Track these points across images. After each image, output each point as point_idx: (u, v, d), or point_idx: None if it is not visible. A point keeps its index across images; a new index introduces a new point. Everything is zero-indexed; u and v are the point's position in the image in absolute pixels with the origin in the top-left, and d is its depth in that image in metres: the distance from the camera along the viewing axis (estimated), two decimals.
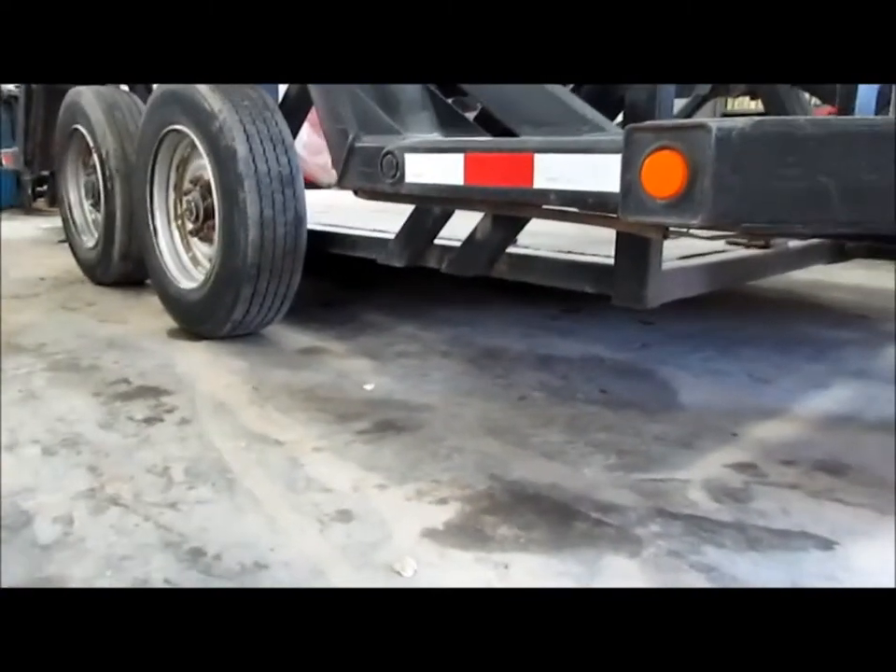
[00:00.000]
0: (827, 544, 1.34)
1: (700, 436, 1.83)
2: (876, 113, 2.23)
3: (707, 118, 1.66)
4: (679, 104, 4.20)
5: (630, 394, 2.13)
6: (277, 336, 2.69)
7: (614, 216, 1.26)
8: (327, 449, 1.72)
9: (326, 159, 6.65)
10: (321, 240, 2.59)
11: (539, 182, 1.36)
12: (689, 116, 4.06)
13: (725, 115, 8.74)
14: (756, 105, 6.24)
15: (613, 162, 1.22)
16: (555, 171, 1.34)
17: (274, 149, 2.30)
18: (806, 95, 3.46)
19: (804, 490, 1.55)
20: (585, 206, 1.32)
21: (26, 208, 6.18)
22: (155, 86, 2.64)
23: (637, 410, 2.00)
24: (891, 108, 1.45)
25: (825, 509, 1.47)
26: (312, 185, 7.23)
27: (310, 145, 7.87)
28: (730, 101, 8.04)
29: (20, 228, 5.75)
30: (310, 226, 2.42)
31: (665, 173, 1.14)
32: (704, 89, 4.03)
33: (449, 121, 1.89)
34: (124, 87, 3.48)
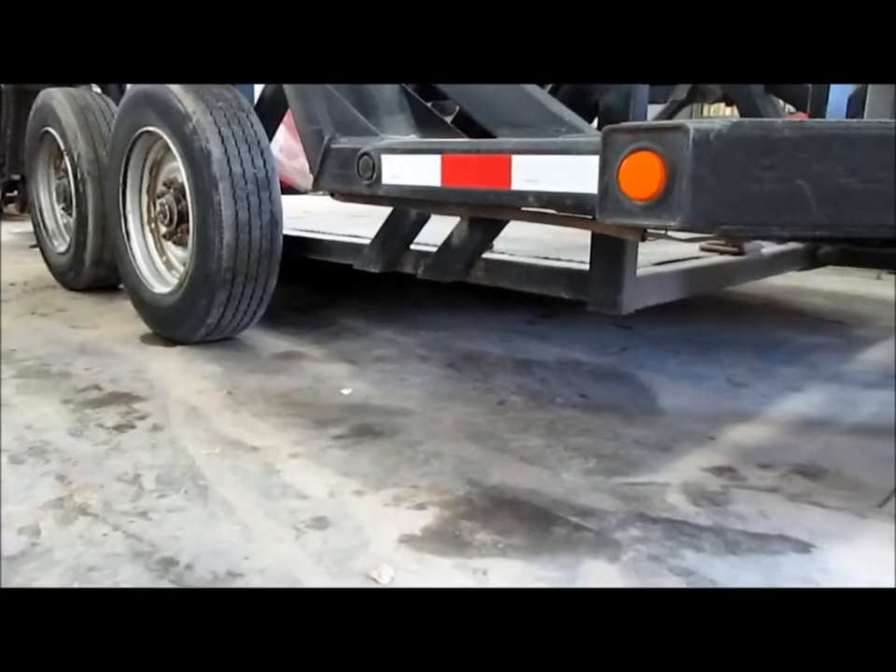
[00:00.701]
0: (804, 547, 1.34)
1: (678, 440, 1.83)
2: (848, 118, 2.25)
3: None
4: (655, 109, 4.23)
5: (609, 398, 2.12)
6: (253, 341, 2.65)
7: (592, 217, 1.25)
8: (303, 455, 1.69)
9: (303, 163, 6.60)
10: (296, 245, 2.56)
11: (518, 184, 1.35)
12: (669, 118, 4.10)
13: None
14: (732, 112, 6.31)
15: (591, 164, 1.22)
16: (533, 172, 1.33)
17: (249, 151, 2.27)
18: (781, 102, 3.51)
19: (781, 493, 1.55)
20: (563, 208, 1.31)
21: None
22: (128, 87, 2.60)
23: (616, 414, 1.99)
24: (865, 112, 1.47)
25: (803, 512, 1.47)
26: (289, 189, 7.19)
27: (287, 149, 7.82)
28: (706, 107, 8.13)
29: None
30: (285, 231, 2.40)
31: (642, 174, 1.13)
32: (680, 94, 4.06)
33: (426, 123, 1.88)
34: (96, 88, 3.42)
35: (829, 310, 3.33)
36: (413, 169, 1.54)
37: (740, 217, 1.11)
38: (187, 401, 2.02)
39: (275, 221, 2.33)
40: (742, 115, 3.44)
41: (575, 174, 1.26)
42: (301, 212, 3.28)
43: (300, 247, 2.58)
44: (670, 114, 4.09)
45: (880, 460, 1.70)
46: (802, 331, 2.92)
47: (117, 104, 3.34)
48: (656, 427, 1.91)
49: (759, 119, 1.15)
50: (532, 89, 1.52)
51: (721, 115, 8.13)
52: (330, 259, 2.48)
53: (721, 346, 2.68)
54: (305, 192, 5.89)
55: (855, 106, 2.71)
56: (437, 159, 1.48)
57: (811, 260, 2.64)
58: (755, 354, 2.59)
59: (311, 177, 1.95)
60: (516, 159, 1.34)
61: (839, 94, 2.29)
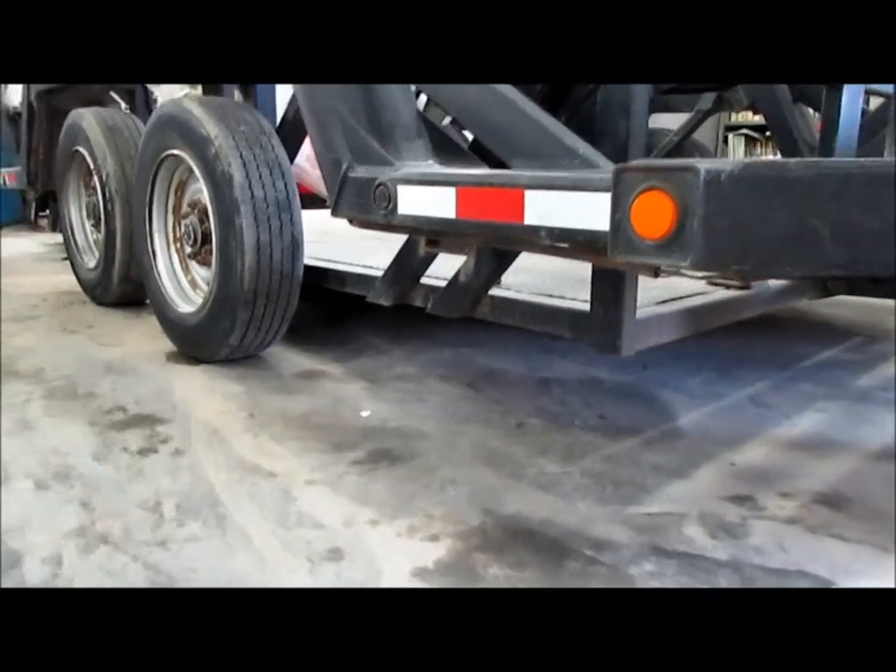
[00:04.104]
0: (824, 584, 1.31)
1: (698, 465, 1.81)
2: (861, 136, 2.22)
3: (704, 143, 1.61)
4: (682, 118, 4.18)
5: (629, 419, 2.11)
6: (276, 358, 2.68)
7: (604, 254, 1.24)
8: (320, 482, 1.70)
9: None
10: (314, 274, 2.61)
11: (530, 219, 1.35)
12: (692, 130, 4.05)
13: (728, 127, 8.71)
14: (760, 118, 6.20)
15: (603, 201, 1.21)
16: (546, 207, 1.32)
17: (271, 174, 2.30)
18: (810, 110, 3.44)
19: (802, 525, 1.53)
20: (576, 244, 1.31)
21: (31, 225, 6.21)
22: (154, 108, 2.64)
23: (636, 436, 1.98)
24: (887, 147, 1.43)
25: (823, 545, 1.45)
26: (314, 197, 7.24)
27: (312, 157, 7.88)
28: (733, 115, 8.03)
29: (24, 245, 5.79)
30: (304, 261, 2.43)
31: (654, 213, 1.12)
32: (706, 104, 4.02)
33: (444, 149, 1.88)
34: (125, 107, 3.49)
35: (859, 323, 3.27)
36: (428, 200, 1.55)
37: (753, 258, 1.09)
38: (208, 424, 2.05)
39: (297, 243, 2.35)
40: (769, 123, 3.39)
41: (587, 210, 1.25)
42: (321, 233, 3.30)
43: (317, 276, 2.62)
44: (696, 123, 4.05)
45: None
46: (828, 345, 2.87)
47: (144, 123, 3.41)
48: (676, 450, 1.89)
49: (771, 160, 1.13)
50: (544, 117, 1.51)
51: (748, 121, 8.03)
52: (345, 290, 2.52)
53: (745, 363, 2.65)
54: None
55: (872, 129, 2.68)
56: (451, 191, 1.49)
57: (821, 291, 2.61)
58: (779, 370, 2.55)
59: None
60: (529, 194, 1.34)
61: (853, 98, 2.26)
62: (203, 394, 2.30)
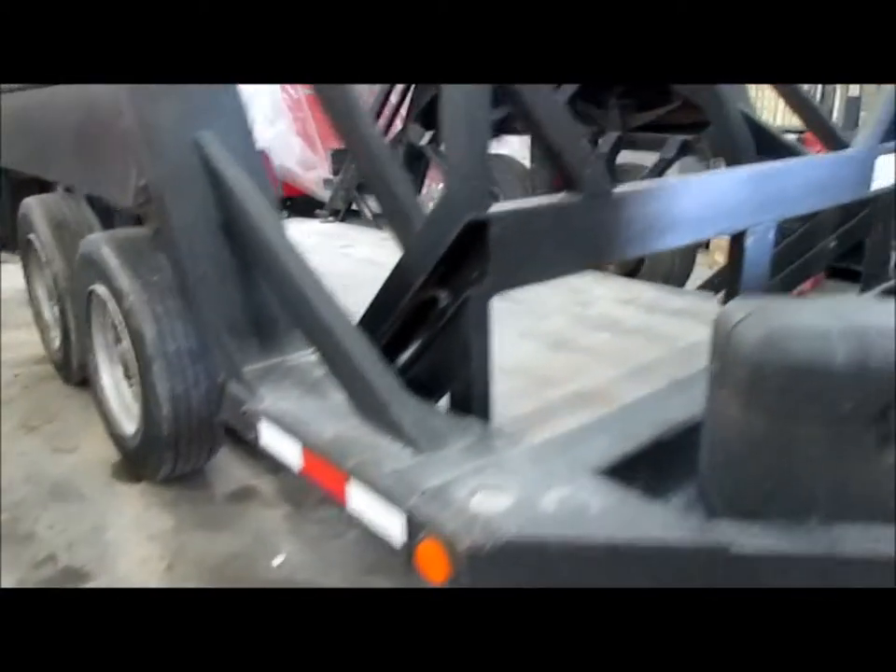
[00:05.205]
0: None
1: None
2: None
3: None
4: (650, 158, 4.10)
5: None
6: (215, 469, 2.80)
7: None
8: None
9: (318, 174, 6.65)
10: None
11: (352, 505, 1.43)
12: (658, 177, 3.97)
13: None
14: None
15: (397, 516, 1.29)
16: (363, 502, 1.40)
17: (184, 325, 2.36)
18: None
19: None
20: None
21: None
22: (80, 244, 2.69)
23: None
24: None
25: None
26: (306, 202, 7.22)
27: (303, 161, 7.87)
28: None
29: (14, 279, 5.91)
30: None
31: (433, 560, 1.20)
32: (670, 151, 3.96)
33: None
34: (79, 195, 3.52)
35: None
36: (281, 446, 1.63)
37: None
38: (128, 579, 2.20)
39: (213, 389, 2.44)
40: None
41: (390, 524, 1.33)
42: None
43: None
44: (661, 171, 3.99)
45: None
46: None
47: (104, 215, 3.45)
48: None
49: None
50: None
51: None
52: None
53: None
54: (322, 203, 5.99)
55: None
56: (299, 447, 1.57)
57: None
58: None
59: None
60: (351, 483, 1.42)
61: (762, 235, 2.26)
62: (133, 532, 2.45)
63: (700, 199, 1.97)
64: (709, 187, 2.01)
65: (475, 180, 1.45)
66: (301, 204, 7.31)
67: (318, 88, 1.74)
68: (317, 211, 5.80)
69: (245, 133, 2.04)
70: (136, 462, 2.69)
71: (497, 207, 1.51)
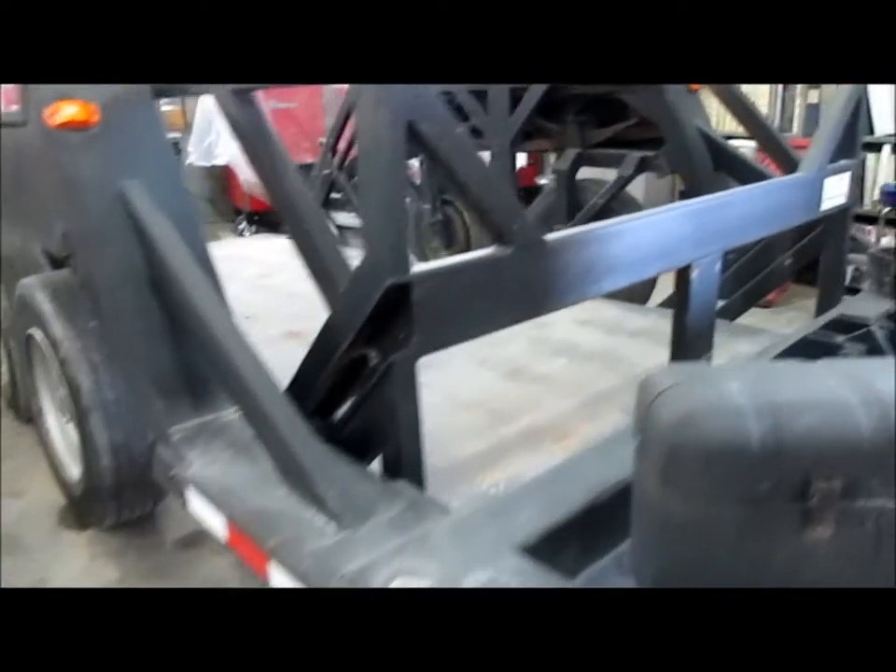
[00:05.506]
0: None
1: None
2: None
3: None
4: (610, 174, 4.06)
5: None
6: (168, 512, 2.74)
7: None
8: None
9: None
10: None
11: (274, 584, 1.38)
12: (615, 195, 3.93)
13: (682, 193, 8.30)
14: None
15: None
16: (285, 585, 1.36)
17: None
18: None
19: None
20: None
21: None
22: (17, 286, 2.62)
23: None
24: None
25: None
26: (272, 212, 7.17)
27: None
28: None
29: None
30: None
31: None
32: (628, 168, 3.92)
33: None
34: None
35: None
36: (208, 515, 1.58)
37: None
38: None
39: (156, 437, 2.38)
40: (688, 190, 3.35)
41: None
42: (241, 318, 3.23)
43: None
44: (619, 189, 3.95)
45: None
46: None
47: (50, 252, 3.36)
48: None
49: None
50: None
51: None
52: None
53: None
54: None
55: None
56: (223, 520, 1.52)
57: None
58: None
59: None
60: (272, 562, 1.37)
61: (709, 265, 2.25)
62: (77, 586, 2.39)
63: (639, 238, 1.94)
64: (649, 226, 1.98)
65: (394, 243, 1.40)
66: (268, 218, 7.22)
67: (245, 144, 1.69)
68: (284, 226, 5.72)
69: (175, 182, 1.99)
70: (81, 510, 2.62)
71: (420, 267, 1.47)
